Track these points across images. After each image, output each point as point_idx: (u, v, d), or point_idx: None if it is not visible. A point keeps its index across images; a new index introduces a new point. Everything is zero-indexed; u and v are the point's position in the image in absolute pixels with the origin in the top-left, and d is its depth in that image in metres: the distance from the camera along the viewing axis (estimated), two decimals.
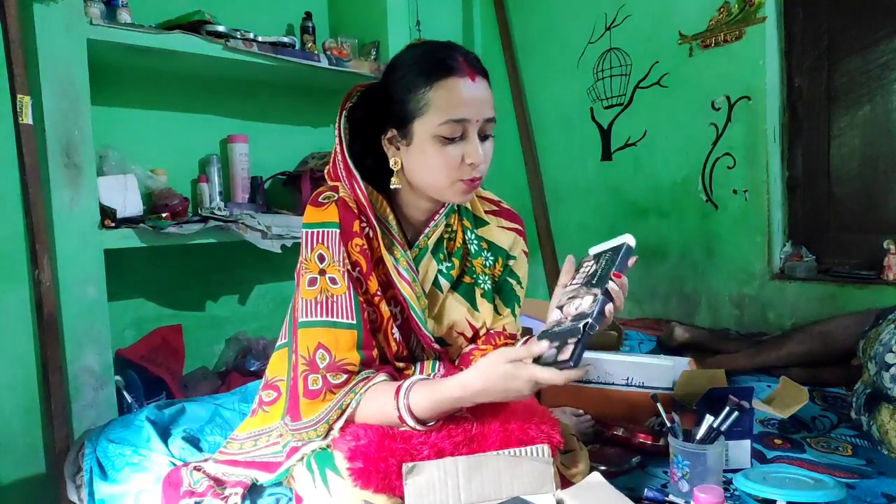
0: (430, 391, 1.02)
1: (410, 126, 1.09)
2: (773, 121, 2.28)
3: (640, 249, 2.99)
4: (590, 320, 0.92)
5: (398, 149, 1.13)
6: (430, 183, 1.11)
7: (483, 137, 1.10)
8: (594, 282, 0.99)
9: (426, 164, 1.09)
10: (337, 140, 1.16)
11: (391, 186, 1.14)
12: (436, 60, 1.08)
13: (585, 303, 0.97)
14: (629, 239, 0.99)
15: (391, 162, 1.13)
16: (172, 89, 2.29)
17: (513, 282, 1.27)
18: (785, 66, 2.30)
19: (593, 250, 1.07)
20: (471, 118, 1.07)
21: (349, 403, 1.05)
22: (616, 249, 1.00)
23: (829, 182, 2.26)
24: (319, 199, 1.13)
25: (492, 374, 0.98)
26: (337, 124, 1.17)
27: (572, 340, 0.92)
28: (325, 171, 1.20)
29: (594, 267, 1.03)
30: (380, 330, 1.13)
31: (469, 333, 1.22)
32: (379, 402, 1.04)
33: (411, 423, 1.02)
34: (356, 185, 1.13)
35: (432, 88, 1.06)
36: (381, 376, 1.08)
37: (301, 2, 2.55)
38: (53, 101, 1.76)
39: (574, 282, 1.05)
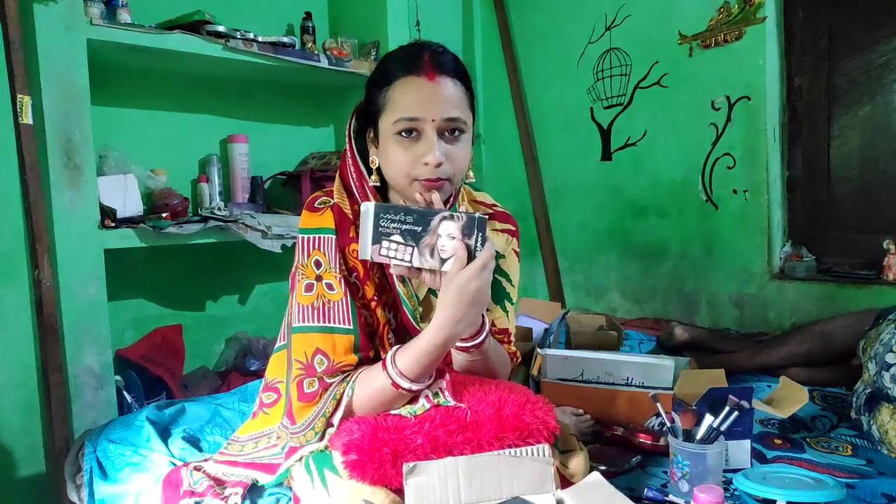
0: (412, 348, 1.03)
1: (377, 124, 1.11)
2: (773, 121, 2.28)
3: (641, 249, 2.98)
4: (477, 214, 1.00)
5: (376, 147, 1.14)
6: (395, 181, 1.12)
7: (450, 139, 1.09)
8: (419, 230, 1.00)
9: (389, 162, 1.10)
10: (347, 141, 1.19)
11: (370, 183, 1.15)
12: (402, 60, 1.10)
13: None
14: (368, 206, 0.99)
15: (370, 160, 1.15)
16: (172, 89, 2.29)
17: (502, 279, 1.27)
18: (785, 66, 2.30)
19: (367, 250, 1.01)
20: (424, 117, 1.06)
21: (343, 392, 1.06)
22: (375, 217, 0.99)
23: (829, 182, 2.26)
24: (315, 205, 1.14)
25: (449, 299, 0.99)
26: (348, 126, 1.19)
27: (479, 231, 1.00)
28: (339, 167, 1.21)
29: (394, 232, 1.00)
30: (376, 334, 1.14)
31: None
32: (371, 382, 1.05)
33: (406, 384, 1.03)
34: (365, 185, 1.14)
35: (391, 87, 1.08)
36: (366, 367, 1.09)
37: (301, 2, 2.55)
38: (53, 101, 1.76)
39: (396, 258, 1.01)
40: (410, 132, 1.07)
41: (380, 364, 1.05)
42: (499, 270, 1.27)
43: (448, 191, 1.12)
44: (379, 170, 1.14)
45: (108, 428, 1.53)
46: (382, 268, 1.14)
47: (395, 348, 1.06)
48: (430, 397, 1.07)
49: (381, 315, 1.13)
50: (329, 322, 1.07)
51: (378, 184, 1.15)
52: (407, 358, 1.03)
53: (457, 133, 1.09)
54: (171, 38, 1.97)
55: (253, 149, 2.41)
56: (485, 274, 1.00)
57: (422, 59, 1.08)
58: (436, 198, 1.04)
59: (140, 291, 2.26)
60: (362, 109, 1.18)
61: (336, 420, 1.06)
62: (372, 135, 1.14)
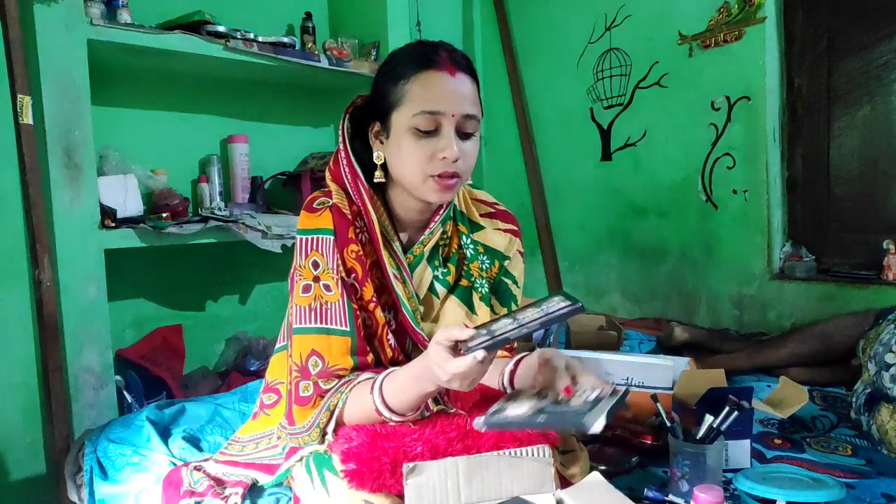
0: (396, 377, 1.01)
1: (389, 118, 1.09)
2: (772, 121, 2.28)
3: (641, 249, 2.97)
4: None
5: (382, 143, 1.13)
6: (406, 178, 1.11)
7: (464, 136, 1.09)
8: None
9: (401, 157, 1.09)
10: (340, 140, 1.17)
11: (374, 180, 1.14)
12: (418, 55, 1.09)
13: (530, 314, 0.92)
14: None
15: (375, 156, 1.13)
16: (172, 89, 2.29)
17: (508, 281, 1.27)
18: (785, 66, 2.30)
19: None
20: (445, 111, 1.06)
21: (336, 404, 1.05)
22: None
23: (829, 182, 2.26)
24: (314, 205, 1.13)
25: (428, 351, 0.95)
26: (341, 126, 1.18)
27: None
28: (327, 169, 1.20)
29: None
30: (375, 336, 1.13)
31: None
32: (360, 399, 1.04)
33: (388, 415, 1.01)
34: (360, 184, 1.13)
35: (409, 81, 1.07)
36: (366, 375, 1.07)
37: (301, 2, 2.55)
38: (53, 101, 1.76)
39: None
40: (429, 126, 1.06)
41: (370, 383, 1.03)
42: (505, 272, 1.27)
43: (458, 189, 1.12)
44: (384, 166, 1.14)
45: (108, 428, 1.53)
46: (381, 268, 1.14)
47: (388, 371, 1.04)
48: (430, 404, 1.06)
49: (381, 316, 1.13)
50: (326, 323, 1.07)
51: (383, 180, 1.14)
52: (391, 386, 1.01)
53: (471, 131, 1.10)
54: (172, 39, 1.97)
55: (253, 149, 2.41)
56: (446, 371, 0.91)
57: (439, 55, 1.08)
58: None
59: (140, 291, 2.26)
60: (366, 105, 1.17)
61: (330, 429, 1.05)
62: (376, 129, 1.13)
